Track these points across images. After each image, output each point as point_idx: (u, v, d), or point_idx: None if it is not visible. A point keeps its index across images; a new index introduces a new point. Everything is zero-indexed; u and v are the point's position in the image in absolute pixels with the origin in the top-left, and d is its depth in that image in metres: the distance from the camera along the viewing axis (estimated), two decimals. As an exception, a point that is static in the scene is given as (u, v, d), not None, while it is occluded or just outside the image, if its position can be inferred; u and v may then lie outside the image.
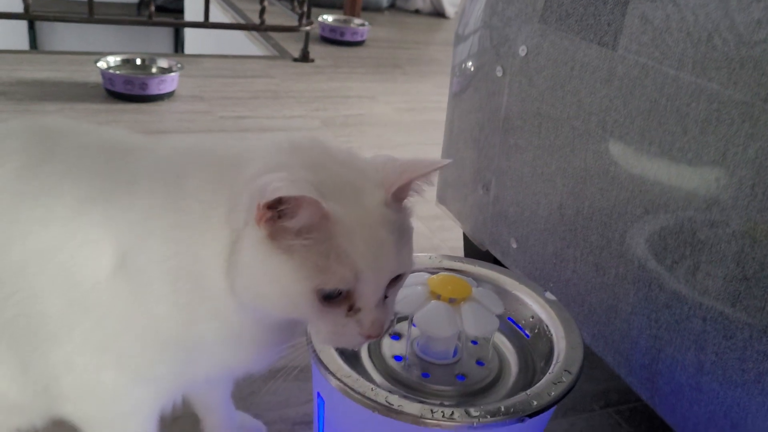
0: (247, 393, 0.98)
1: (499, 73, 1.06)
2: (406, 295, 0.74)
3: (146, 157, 0.66)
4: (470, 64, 1.17)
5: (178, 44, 4.88)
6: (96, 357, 0.63)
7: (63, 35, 4.69)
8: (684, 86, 0.75)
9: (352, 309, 0.58)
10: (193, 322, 0.62)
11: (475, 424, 0.63)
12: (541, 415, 0.66)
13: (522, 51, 1.00)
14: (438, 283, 0.74)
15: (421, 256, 0.86)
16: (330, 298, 0.56)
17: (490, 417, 0.63)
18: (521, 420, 0.64)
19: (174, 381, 0.70)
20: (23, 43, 4.54)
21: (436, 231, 1.55)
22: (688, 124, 0.75)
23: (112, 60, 2.23)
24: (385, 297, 0.60)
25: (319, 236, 0.54)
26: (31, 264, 0.61)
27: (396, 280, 0.60)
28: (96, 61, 2.16)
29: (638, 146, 0.82)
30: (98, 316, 0.62)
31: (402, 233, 0.59)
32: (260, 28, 2.75)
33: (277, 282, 0.56)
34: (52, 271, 0.61)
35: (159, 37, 4.89)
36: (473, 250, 1.27)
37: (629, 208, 0.84)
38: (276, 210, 0.54)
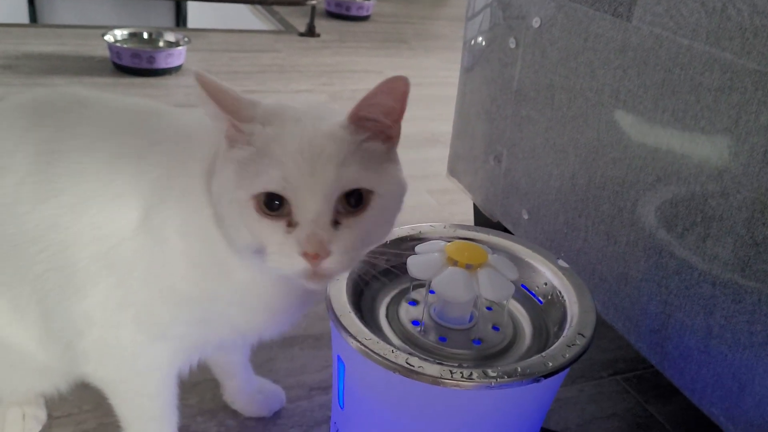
0: (265, 360, 1.00)
1: (512, 45, 1.07)
2: (423, 262, 0.76)
3: (168, 120, 0.69)
4: (482, 37, 1.18)
5: (180, 19, 4.84)
6: (116, 314, 0.65)
7: (63, 9, 4.65)
8: (698, 56, 0.76)
9: (291, 225, 0.56)
10: (205, 280, 0.64)
11: (492, 384, 0.65)
12: (556, 376, 0.68)
13: (535, 23, 1.01)
14: (455, 250, 0.76)
15: (435, 225, 0.88)
16: (270, 209, 0.55)
17: (507, 377, 0.65)
18: (537, 380, 0.66)
19: (190, 342, 0.72)
20: (23, 18, 4.51)
21: (446, 204, 1.57)
22: (701, 93, 0.76)
23: (119, 34, 2.23)
24: (338, 223, 0.57)
25: (252, 148, 0.56)
26: (63, 218, 0.64)
27: (357, 211, 0.58)
28: (103, 35, 2.16)
29: (651, 116, 0.83)
30: (121, 272, 0.64)
31: (361, 155, 0.57)
32: (266, 2, 2.74)
33: (227, 192, 0.57)
34: (83, 224, 0.64)
35: (160, 12, 4.85)
36: (484, 222, 1.29)
37: (641, 177, 0.85)
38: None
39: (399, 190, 0.61)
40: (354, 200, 0.57)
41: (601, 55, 0.89)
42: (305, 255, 0.54)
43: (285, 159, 0.54)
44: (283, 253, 0.55)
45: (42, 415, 0.85)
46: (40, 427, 0.84)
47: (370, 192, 0.57)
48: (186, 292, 0.65)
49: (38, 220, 0.64)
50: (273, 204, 0.55)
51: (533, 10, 1.01)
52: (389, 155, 0.61)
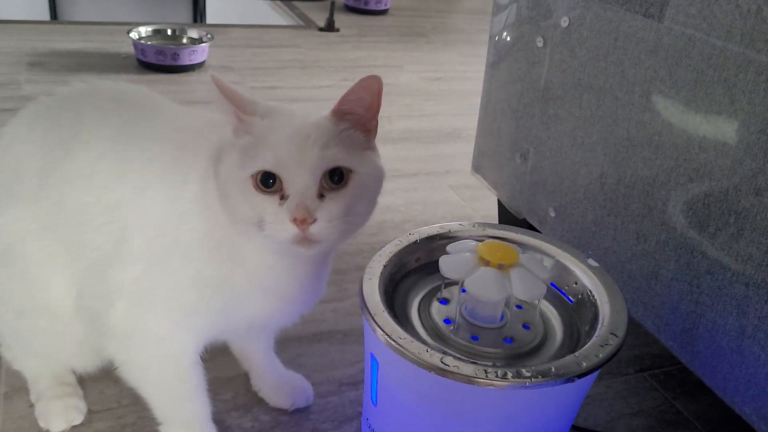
0: (294, 355, 1.02)
1: (540, 44, 1.07)
2: (455, 262, 0.77)
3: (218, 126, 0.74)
4: (508, 34, 1.18)
5: (197, 14, 4.86)
6: (146, 295, 0.71)
7: (82, 5, 4.70)
8: (732, 57, 0.76)
9: (283, 198, 0.64)
10: (224, 263, 0.70)
11: (527, 384, 0.66)
12: (589, 376, 0.69)
13: (564, 22, 1.01)
14: (487, 250, 0.77)
15: (464, 224, 0.89)
16: (266, 186, 0.64)
17: (542, 377, 0.66)
18: (571, 380, 0.67)
19: (211, 328, 0.77)
20: (44, 14, 4.56)
21: (469, 200, 1.58)
22: (735, 94, 0.76)
23: (144, 30, 2.25)
24: (322, 196, 0.64)
25: (251, 137, 0.65)
26: (128, 197, 0.71)
27: (339, 187, 0.65)
28: (128, 32, 2.18)
29: (683, 116, 0.83)
30: (158, 258, 0.70)
31: (342, 139, 0.66)
32: (286, -2, 2.75)
33: (230, 174, 0.66)
34: (141, 208, 0.71)
35: (177, 8, 4.88)
36: (508, 219, 1.30)
37: (673, 177, 0.86)
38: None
39: (376, 173, 0.70)
40: (336, 177, 0.65)
41: (632, 56, 0.90)
42: (294, 221, 0.62)
43: (277, 143, 0.64)
44: (277, 222, 0.63)
45: (82, 406, 0.88)
46: (81, 418, 0.87)
47: (349, 171, 0.66)
48: (210, 278, 0.70)
49: (109, 196, 0.71)
50: (268, 182, 0.64)
51: (561, 10, 1.01)
52: (368, 144, 0.70)
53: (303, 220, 0.62)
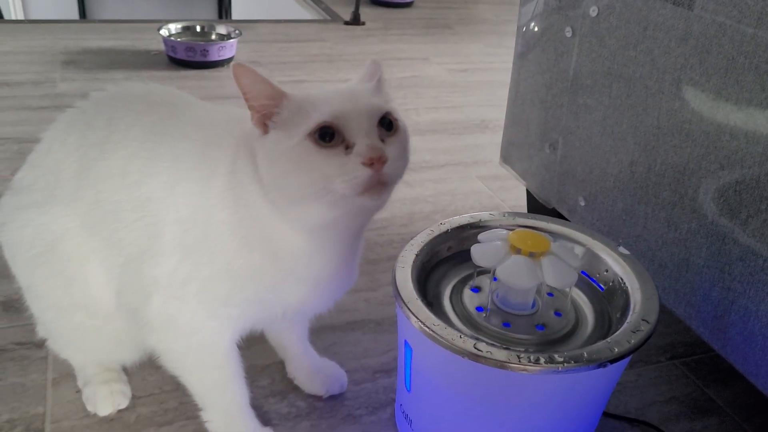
0: (329, 344, 1.04)
1: (569, 34, 1.08)
2: (486, 250, 0.78)
3: (244, 121, 0.75)
4: (537, 24, 1.18)
5: (222, 10, 4.91)
6: (181, 287, 0.73)
7: (109, 4, 4.78)
8: (763, 44, 0.76)
9: (348, 147, 0.64)
10: (253, 253, 0.72)
11: (559, 369, 0.67)
12: (621, 362, 0.70)
13: (593, 11, 1.01)
14: (518, 239, 0.78)
15: (495, 213, 0.90)
16: (324, 140, 0.64)
17: (574, 362, 0.67)
18: (603, 365, 0.68)
19: (247, 317, 0.79)
20: (73, 13, 4.64)
21: (497, 191, 1.58)
22: (766, 81, 0.76)
23: (173, 27, 2.28)
24: (382, 140, 0.66)
25: (293, 106, 0.67)
26: (159, 194, 0.73)
27: (392, 133, 0.67)
28: (159, 29, 2.21)
29: (714, 103, 0.83)
30: (190, 250, 0.72)
31: (377, 91, 0.71)
32: (312, -8, 2.77)
33: (282, 149, 0.66)
34: (171, 204, 0.73)
35: (203, 4, 4.94)
36: (537, 209, 1.30)
37: (704, 164, 0.86)
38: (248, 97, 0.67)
39: (406, 134, 0.72)
40: (387, 124, 0.67)
41: (662, 44, 0.90)
42: (369, 162, 0.63)
43: (329, 98, 0.66)
44: (348, 170, 0.63)
45: (128, 390, 0.92)
46: (127, 402, 0.91)
47: (395, 119, 0.68)
48: (240, 268, 0.72)
49: (141, 192, 0.73)
50: (326, 137, 0.64)
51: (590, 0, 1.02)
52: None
53: (378, 158, 0.63)
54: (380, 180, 0.64)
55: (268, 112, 0.67)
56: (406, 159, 0.70)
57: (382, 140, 0.66)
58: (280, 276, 0.74)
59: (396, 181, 0.67)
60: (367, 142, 0.63)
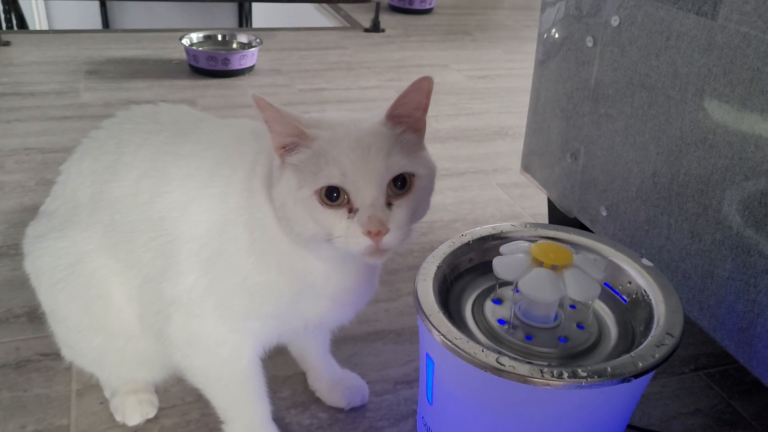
0: (350, 354, 1.04)
1: (590, 44, 1.07)
2: (508, 263, 0.78)
3: (258, 136, 0.76)
4: (557, 32, 1.18)
5: (242, 19, 4.95)
6: (199, 303, 0.74)
7: (131, 13, 4.85)
8: (788, 54, 0.75)
9: (352, 211, 0.64)
10: (270, 271, 0.72)
11: (583, 383, 0.66)
12: (645, 377, 0.69)
13: (614, 21, 1.01)
14: (540, 251, 0.77)
15: (516, 224, 0.90)
16: (331, 200, 0.64)
17: (598, 377, 0.67)
18: (627, 380, 0.67)
19: (265, 333, 0.79)
20: (97, 23, 4.71)
21: (518, 199, 1.58)
22: (792, 92, 0.75)
23: (195, 37, 2.30)
24: (390, 204, 0.65)
25: (309, 150, 0.65)
26: (172, 213, 0.74)
27: (404, 192, 0.66)
28: (180, 38, 2.24)
29: (739, 114, 0.82)
30: (206, 266, 0.73)
31: (399, 144, 0.66)
32: (332, 0, 2.78)
33: (289, 194, 0.66)
34: (186, 222, 0.73)
35: (223, 12, 4.98)
36: (558, 218, 1.30)
37: (728, 175, 0.85)
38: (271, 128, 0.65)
39: (432, 172, 0.70)
40: (400, 183, 0.66)
41: (685, 54, 0.89)
42: (368, 234, 0.63)
43: (340, 157, 0.63)
44: (349, 235, 0.64)
45: (155, 400, 0.93)
46: (155, 411, 0.92)
47: (412, 175, 0.66)
48: (257, 285, 0.72)
49: (154, 212, 0.74)
50: (332, 196, 0.64)
51: (612, 9, 1.01)
52: (420, 144, 0.70)
53: (377, 232, 0.63)
54: (379, 248, 0.64)
55: (288, 146, 0.66)
56: (421, 214, 0.69)
57: (390, 203, 0.65)
58: (298, 293, 0.74)
59: (399, 246, 0.67)
60: (369, 213, 0.63)
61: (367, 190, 0.63)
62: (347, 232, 0.64)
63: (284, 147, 0.66)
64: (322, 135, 0.65)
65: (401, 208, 0.66)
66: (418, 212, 0.68)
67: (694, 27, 0.87)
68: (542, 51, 1.25)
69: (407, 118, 0.67)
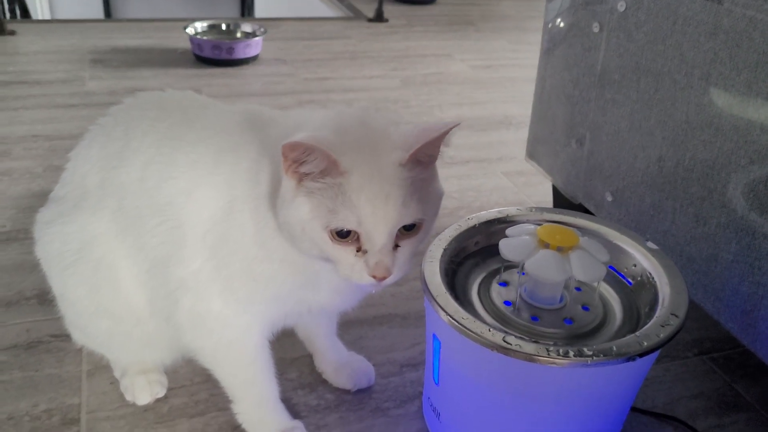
0: (356, 338, 1.05)
1: (596, 29, 1.08)
2: (515, 244, 0.78)
3: (265, 125, 0.77)
4: (563, 20, 1.18)
5: (245, 8, 4.94)
6: (206, 286, 0.75)
7: (133, 3, 4.84)
8: (794, 37, 0.76)
9: (360, 250, 0.66)
10: (272, 262, 0.73)
11: (588, 362, 0.67)
12: (650, 356, 0.70)
13: (621, 6, 1.01)
14: (547, 233, 0.78)
15: (521, 208, 0.91)
16: (342, 236, 0.65)
17: (603, 356, 0.67)
18: (632, 359, 0.68)
19: (270, 316, 0.80)
20: (98, 12, 4.71)
21: (522, 187, 1.58)
22: (798, 75, 0.76)
23: (199, 26, 2.31)
24: (397, 246, 0.67)
25: (331, 181, 0.64)
26: (178, 199, 0.74)
27: (411, 233, 0.67)
28: (185, 28, 2.24)
29: (744, 98, 0.83)
30: (212, 251, 0.74)
31: (415, 188, 0.66)
32: (336, -11, 2.78)
33: (299, 220, 0.66)
34: (192, 207, 0.74)
35: (224, 2, 4.98)
36: (563, 204, 1.30)
37: (733, 159, 0.86)
38: (296, 160, 0.64)
39: (439, 203, 0.71)
40: (409, 226, 0.67)
41: (691, 38, 0.89)
42: (374, 277, 0.66)
43: (360, 203, 0.63)
44: (354, 270, 0.66)
45: (164, 380, 0.94)
46: (165, 391, 0.93)
47: (422, 219, 0.68)
48: (260, 272, 0.73)
49: (160, 197, 0.75)
50: (343, 232, 0.65)
51: (618, -6, 1.01)
52: (433, 173, 0.70)
53: (383, 277, 0.66)
54: (380, 284, 0.67)
55: (311, 174, 0.65)
56: (419, 251, 0.70)
57: (397, 245, 0.67)
58: (301, 282, 0.75)
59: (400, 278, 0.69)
60: (377, 259, 0.65)
61: (378, 238, 0.65)
62: (353, 267, 0.66)
63: (306, 175, 0.65)
64: (351, 172, 0.64)
65: (406, 248, 0.68)
66: (420, 246, 0.70)
67: (701, 11, 0.88)
68: (548, 39, 1.25)
69: (427, 157, 0.67)
